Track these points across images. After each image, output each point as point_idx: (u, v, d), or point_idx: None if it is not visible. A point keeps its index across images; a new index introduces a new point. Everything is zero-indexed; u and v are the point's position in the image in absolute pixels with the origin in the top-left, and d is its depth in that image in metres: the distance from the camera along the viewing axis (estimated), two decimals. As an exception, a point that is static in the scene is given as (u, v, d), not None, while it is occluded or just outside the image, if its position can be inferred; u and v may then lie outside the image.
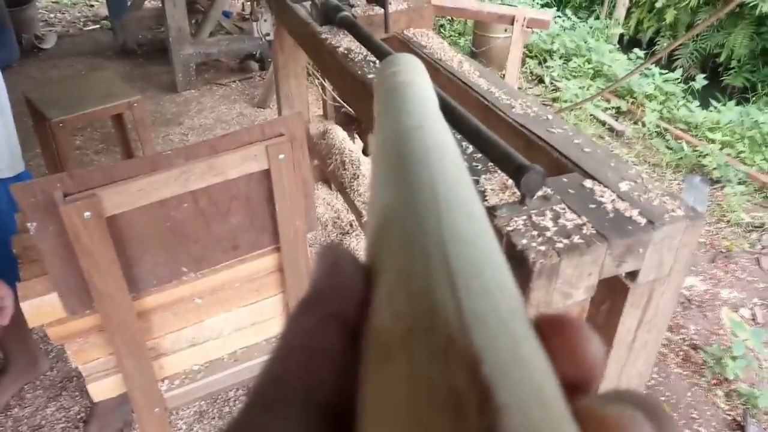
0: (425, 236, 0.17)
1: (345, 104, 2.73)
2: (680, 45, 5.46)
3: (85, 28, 5.31)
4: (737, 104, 3.90)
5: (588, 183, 1.12)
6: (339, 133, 2.65)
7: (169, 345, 1.25)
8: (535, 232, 0.99)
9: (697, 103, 3.91)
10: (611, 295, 1.12)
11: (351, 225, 2.88)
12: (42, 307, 1.05)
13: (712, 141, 3.42)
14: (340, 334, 0.16)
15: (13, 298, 1.34)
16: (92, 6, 5.84)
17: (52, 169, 2.59)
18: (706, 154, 3.28)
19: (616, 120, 3.81)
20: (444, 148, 0.23)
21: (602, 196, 1.08)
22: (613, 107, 3.93)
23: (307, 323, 0.16)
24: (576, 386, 0.15)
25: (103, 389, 1.22)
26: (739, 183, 3.12)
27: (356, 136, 2.90)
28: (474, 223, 0.18)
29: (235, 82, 4.24)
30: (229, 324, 1.30)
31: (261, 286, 1.29)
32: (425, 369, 0.13)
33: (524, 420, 0.12)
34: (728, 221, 2.89)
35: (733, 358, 2.05)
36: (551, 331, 0.15)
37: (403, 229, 0.17)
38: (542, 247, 0.96)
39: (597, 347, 0.16)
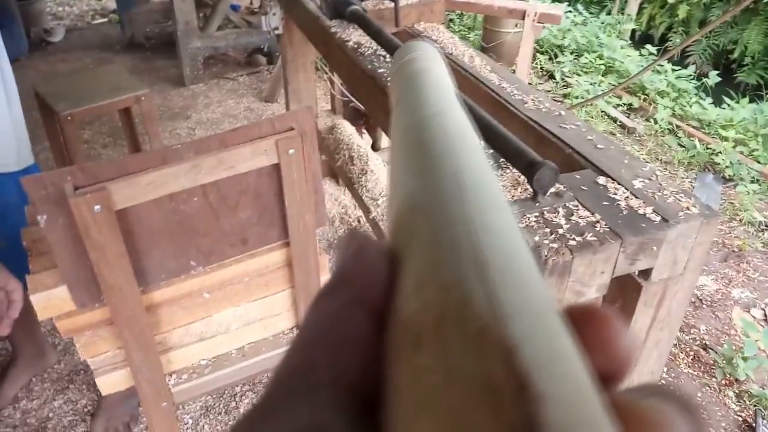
0: (453, 225, 0.16)
1: (353, 99, 2.72)
2: (693, 41, 5.41)
3: (93, 22, 5.31)
4: (751, 102, 3.86)
5: (601, 180, 1.10)
6: (347, 128, 2.64)
7: (177, 339, 1.25)
8: (547, 229, 0.98)
9: (710, 100, 3.87)
10: (624, 293, 1.10)
11: (359, 221, 2.87)
12: (51, 300, 1.05)
13: (725, 139, 3.39)
14: (366, 319, 0.16)
15: (22, 291, 1.34)
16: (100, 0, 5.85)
17: (60, 163, 2.60)
18: (719, 152, 3.25)
19: (628, 116, 3.78)
20: (465, 136, 0.23)
21: (616, 194, 1.07)
22: (624, 104, 3.89)
23: (332, 308, 0.16)
24: (607, 378, 0.15)
25: (111, 383, 1.22)
26: (752, 181, 3.09)
27: (364, 131, 2.89)
28: (500, 214, 0.18)
29: (242, 76, 4.23)
30: (237, 319, 1.29)
31: (269, 281, 1.28)
32: (460, 357, 0.13)
33: (562, 409, 0.12)
34: (741, 220, 2.86)
35: (744, 359, 2.03)
36: (582, 322, 0.15)
37: (429, 217, 0.17)
38: (555, 245, 0.95)
39: (628, 339, 0.16)
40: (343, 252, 0.18)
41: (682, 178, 3.24)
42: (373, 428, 0.14)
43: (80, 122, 2.46)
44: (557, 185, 1.07)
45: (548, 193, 1.05)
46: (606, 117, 3.78)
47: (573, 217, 1.01)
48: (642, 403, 0.14)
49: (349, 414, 0.14)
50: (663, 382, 2.03)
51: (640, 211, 1.02)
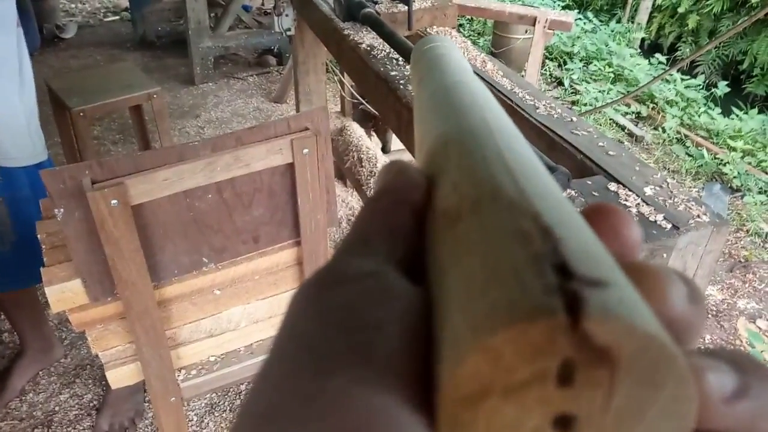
0: (482, 148, 0.19)
1: (363, 101, 2.73)
2: (704, 52, 5.40)
3: (105, 19, 5.35)
4: (759, 113, 3.85)
5: (612, 186, 1.11)
6: (356, 130, 2.65)
7: (187, 335, 1.26)
8: (559, 234, 0.99)
9: (718, 110, 3.87)
10: (633, 300, 1.11)
11: (366, 222, 2.88)
12: (65, 293, 1.06)
13: (733, 149, 3.38)
14: (410, 214, 0.19)
15: None
16: (113, -3, 5.89)
17: (71, 158, 2.62)
18: (727, 162, 3.24)
19: (636, 125, 3.78)
20: (488, 98, 0.25)
21: (627, 200, 1.08)
22: (633, 112, 3.90)
23: (381, 206, 0.19)
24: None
25: (121, 376, 1.23)
26: (760, 192, 3.09)
27: (373, 133, 2.90)
28: (522, 145, 0.20)
29: (252, 76, 4.25)
30: (246, 316, 1.30)
31: (279, 280, 1.29)
32: (494, 219, 0.15)
33: (579, 245, 0.14)
34: (747, 231, 2.86)
35: (750, 369, 2.02)
36: (596, 214, 0.17)
37: (461, 145, 0.20)
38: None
39: (637, 229, 0.18)
40: (385, 172, 0.20)
41: (690, 187, 3.24)
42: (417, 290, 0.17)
43: (91, 118, 2.48)
44: (569, 191, 1.07)
45: (560, 198, 1.05)
46: (614, 125, 3.78)
47: (584, 223, 1.02)
48: (649, 268, 0.16)
49: (398, 269, 0.17)
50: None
51: (651, 218, 1.02)
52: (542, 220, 0.15)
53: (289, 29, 2.27)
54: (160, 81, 4.08)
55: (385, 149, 2.41)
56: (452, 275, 0.15)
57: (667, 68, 2.44)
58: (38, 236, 1.15)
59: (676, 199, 1.08)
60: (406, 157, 2.85)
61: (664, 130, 3.65)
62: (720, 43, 5.38)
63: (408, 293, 0.16)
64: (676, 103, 3.89)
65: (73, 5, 5.60)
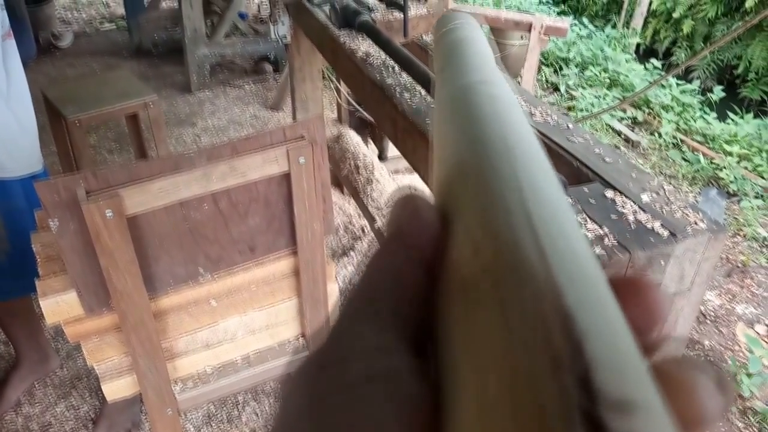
0: (501, 181, 0.17)
1: (359, 108, 2.73)
2: (699, 57, 5.43)
3: (101, 28, 5.35)
4: (755, 117, 3.87)
5: (609, 193, 1.11)
6: (353, 138, 2.65)
7: (183, 346, 1.25)
8: (556, 242, 0.98)
9: (714, 115, 3.88)
10: (631, 307, 1.11)
11: (363, 230, 2.88)
12: (60, 305, 1.05)
13: (729, 154, 3.39)
14: (422, 272, 0.18)
15: None
16: (109, 6, 5.89)
17: (67, 167, 2.61)
18: (723, 167, 3.25)
19: (632, 130, 3.79)
20: (511, 103, 0.23)
21: (624, 207, 1.07)
22: (629, 117, 3.90)
23: (391, 259, 0.18)
24: (642, 330, 0.16)
25: (116, 389, 1.22)
26: (756, 197, 3.09)
27: (370, 140, 2.90)
28: (548, 176, 0.18)
29: (249, 83, 4.25)
30: (243, 326, 1.29)
31: (276, 289, 1.28)
32: (512, 301, 0.14)
33: (605, 344, 0.13)
34: (745, 235, 2.86)
35: (749, 375, 2.02)
36: (627, 291, 0.16)
37: (478, 177, 0.18)
38: (563, 258, 0.95)
39: (660, 294, 0.17)
40: (399, 211, 0.19)
41: (687, 192, 3.25)
42: (422, 358, 0.16)
43: (87, 127, 2.47)
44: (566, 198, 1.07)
45: (557, 206, 1.05)
46: (610, 130, 3.79)
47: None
48: (681, 372, 0.15)
49: (407, 340, 0.16)
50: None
51: (648, 225, 1.02)
52: (564, 305, 0.13)
53: (285, 37, 2.27)
54: (157, 89, 4.07)
55: (381, 156, 2.41)
56: (464, 373, 0.14)
57: (664, 74, 2.45)
58: (33, 247, 1.14)
59: (673, 206, 1.08)
60: (402, 164, 2.85)
61: (660, 135, 3.66)
62: (715, 48, 5.41)
63: (415, 390, 0.15)
64: (672, 108, 3.90)
65: (69, 14, 5.60)
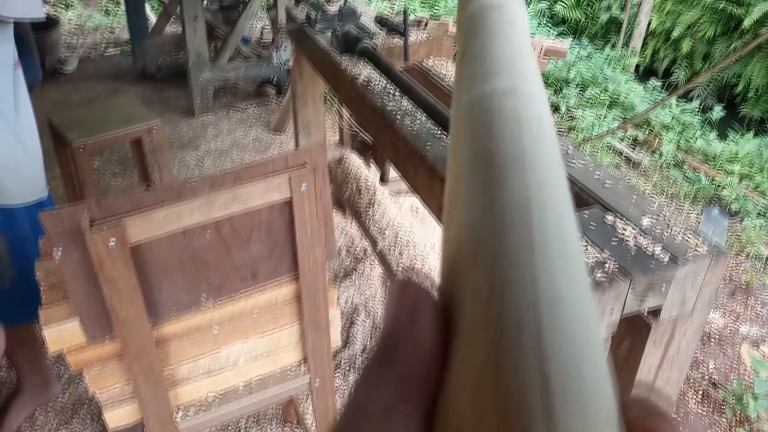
0: (516, 294, 0.15)
1: (361, 131, 2.75)
2: (697, 75, 5.46)
3: (106, 52, 5.41)
4: (755, 136, 3.88)
5: (609, 218, 1.11)
6: (355, 160, 2.66)
7: (185, 373, 1.25)
8: (557, 268, 0.98)
9: (714, 133, 3.90)
10: (633, 332, 1.10)
11: (365, 252, 2.88)
12: (62, 334, 1.05)
13: (731, 173, 3.40)
14: (414, 415, 0.15)
15: (3, 333, 1.35)
16: (114, 31, 5.97)
17: (71, 191, 2.63)
18: (724, 186, 3.26)
19: (633, 150, 3.81)
20: (540, 130, 0.19)
21: (624, 232, 1.08)
22: (629, 137, 3.92)
23: (380, 398, 0.16)
24: None
25: (118, 417, 1.22)
26: (759, 216, 3.09)
27: (372, 162, 2.91)
28: (571, 265, 0.15)
29: (251, 106, 4.29)
30: (244, 353, 1.29)
31: (278, 315, 1.29)
32: None
33: None
34: (748, 254, 2.85)
35: (755, 397, 2.00)
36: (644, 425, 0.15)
37: (491, 272, 0.15)
38: (565, 283, 0.95)
39: None
40: (396, 306, 0.17)
41: (688, 211, 3.25)
42: None
43: (91, 152, 2.50)
44: (566, 223, 1.08)
45: (557, 231, 1.06)
46: (611, 150, 3.80)
47: (582, 256, 1.02)
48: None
49: None
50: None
51: (649, 250, 1.03)
52: None
53: (287, 62, 2.30)
54: (161, 112, 4.12)
55: (383, 179, 2.42)
56: None
57: (667, 95, 2.47)
58: (37, 275, 1.15)
59: (673, 230, 1.09)
60: (404, 186, 2.86)
61: (660, 155, 3.67)
62: (714, 67, 5.45)
63: None
64: (672, 127, 3.92)
65: (74, 39, 5.68)
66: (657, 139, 3.83)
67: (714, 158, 3.61)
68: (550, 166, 0.18)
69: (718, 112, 4.17)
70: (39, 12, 1.46)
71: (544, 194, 0.17)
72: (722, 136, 3.93)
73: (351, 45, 1.78)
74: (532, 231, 0.16)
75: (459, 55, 0.24)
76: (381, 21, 1.95)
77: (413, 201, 2.85)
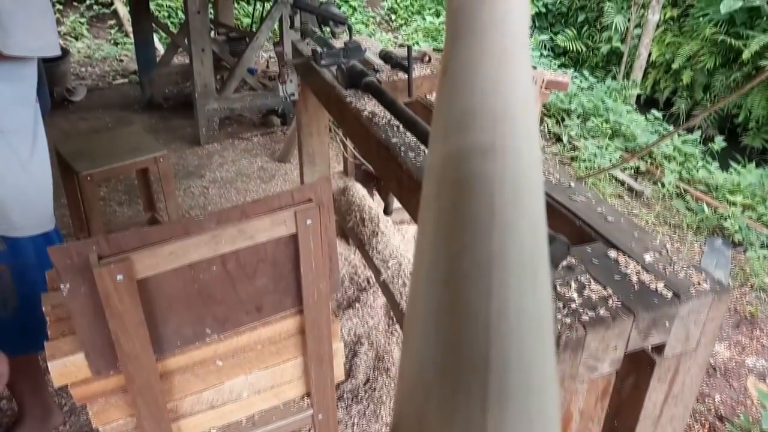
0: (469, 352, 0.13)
1: (365, 162, 2.77)
2: (698, 105, 5.51)
3: (114, 82, 5.50)
4: (757, 166, 3.90)
5: (612, 253, 1.12)
6: (359, 190, 2.69)
7: (189, 407, 1.25)
8: (560, 304, 0.99)
9: (716, 164, 3.93)
10: (637, 368, 1.10)
11: (368, 281, 2.88)
12: (68, 367, 1.06)
13: (733, 203, 3.41)
14: None
15: (7, 363, 1.35)
16: (122, 61, 6.08)
17: (77, 219, 2.65)
18: (727, 217, 3.26)
19: (635, 180, 3.82)
20: (516, 193, 0.16)
21: (627, 267, 1.08)
22: (631, 167, 3.95)
23: None
24: None
25: (120, 451, 1.21)
26: (762, 247, 3.09)
27: (375, 192, 2.93)
28: (530, 335, 0.14)
29: (257, 136, 4.34)
30: (248, 386, 1.29)
31: (282, 349, 1.29)
32: None
33: None
34: (752, 286, 2.84)
35: None
36: None
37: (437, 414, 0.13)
38: (568, 319, 0.96)
39: None
40: None
41: (692, 241, 3.25)
42: None
43: (98, 181, 2.52)
44: (569, 258, 1.09)
45: (560, 267, 1.06)
46: (614, 180, 3.82)
47: (585, 292, 1.02)
48: None
49: None
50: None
51: (652, 286, 1.03)
52: None
53: (293, 94, 2.34)
54: (167, 142, 4.16)
55: (387, 211, 2.44)
56: None
57: (675, 129, 2.51)
58: (43, 308, 1.16)
59: (676, 266, 1.09)
60: (407, 216, 2.87)
61: (663, 185, 3.69)
62: (714, 97, 5.50)
63: None
64: (674, 157, 3.95)
65: (83, 69, 5.77)
66: (659, 170, 3.86)
67: (716, 189, 3.63)
68: (521, 230, 0.16)
69: (719, 142, 4.20)
70: (56, 50, 1.50)
71: (508, 264, 0.15)
72: (723, 165, 3.95)
73: (356, 79, 1.82)
74: (490, 302, 0.14)
75: (441, 69, 0.21)
76: (385, 56, 1.99)
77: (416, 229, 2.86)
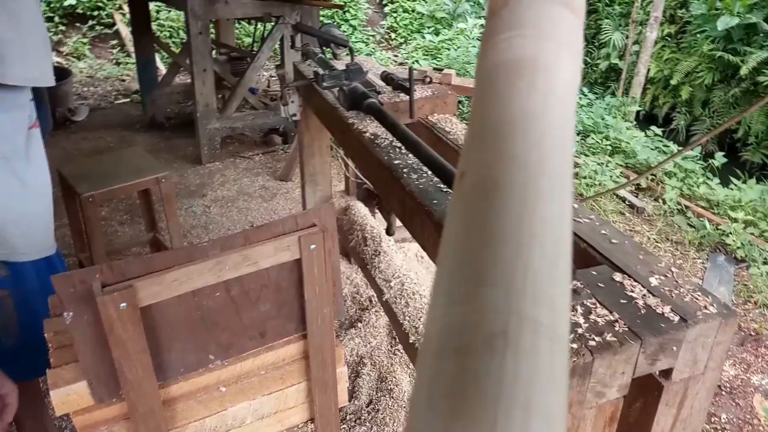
0: None
1: (366, 181, 2.78)
2: (697, 120, 5.53)
3: (116, 102, 5.53)
4: (757, 181, 3.91)
5: (617, 276, 1.11)
6: (361, 209, 2.68)
7: (192, 433, 1.23)
8: (566, 329, 0.98)
9: (717, 180, 3.93)
10: (645, 393, 1.09)
11: (370, 301, 2.87)
12: (70, 396, 1.05)
13: (735, 220, 3.41)
14: None
15: (17, 393, 1.34)
16: (123, 80, 6.11)
17: (78, 240, 2.65)
18: (729, 233, 3.26)
19: (636, 196, 3.83)
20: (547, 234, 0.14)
21: (633, 291, 1.08)
22: (632, 184, 3.95)
23: None
24: None
25: (122, 479, 1.19)
26: (765, 263, 3.08)
27: (377, 211, 2.93)
28: None
29: (258, 155, 4.35)
30: (252, 412, 1.28)
31: (285, 374, 1.28)
32: None
33: None
34: (756, 302, 2.83)
35: (771, 452, 1.96)
36: None
37: None
38: (574, 345, 0.95)
39: None
40: None
41: (694, 258, 3.24)
42: None
43: (100, 202, 2.52)
44: (574, 282, 1.08)
45: (566, 291, 1.06)
46: (615, 197, 3.82)
47: (591, 316, 1.02)
48: None
49: None
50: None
51: (659, 311, 1.02)
52: None
53: (294, 115, 2.35)
54: (168, 161, 4.17)
55: (389, 231, 2.43)
56: None
57: (682, 149, 2.52)
58: (45, 335, 1.15)
59: (682, 290, 1.09)
60: (408, 234, 2.87)
61: (664, 201, 3.69)
62: (714, 113, 5.52)
63: None
64: (675, 174, 3.95)
65: (85, 89, 5.81)
66: (660, 186, 3.86)
67: (717, 205, 3.62)
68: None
69: (720, 158, 4.21)
70: (51, 80, 1.51)
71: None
72: (724, 180, 3.95)
73: (358, 101, 1.82)
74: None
75: (458, 175, 0.16)
76: (387, 78, 2.00)
77: (419, 247, 2.85)
